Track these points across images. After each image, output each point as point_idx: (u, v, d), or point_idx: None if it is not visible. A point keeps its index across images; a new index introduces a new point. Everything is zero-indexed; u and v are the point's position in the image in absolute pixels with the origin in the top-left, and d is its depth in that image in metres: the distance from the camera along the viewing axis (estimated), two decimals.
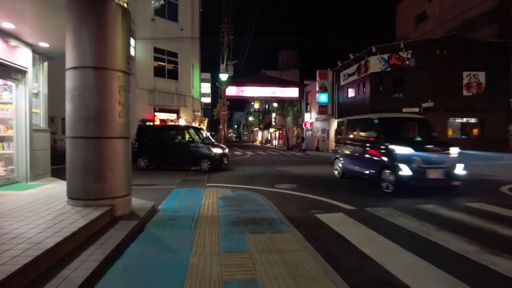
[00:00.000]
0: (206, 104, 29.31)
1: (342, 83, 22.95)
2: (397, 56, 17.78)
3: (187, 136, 10.88)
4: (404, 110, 17.19)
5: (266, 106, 55.33)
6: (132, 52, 16.03)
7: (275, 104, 36.10)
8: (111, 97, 4.13)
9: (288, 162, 15.09)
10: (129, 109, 4.55)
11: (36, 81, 6.57)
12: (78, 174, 4.03)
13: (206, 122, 22.55)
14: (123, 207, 4.25)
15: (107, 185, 4.08)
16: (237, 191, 6.81)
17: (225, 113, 20.71)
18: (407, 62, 17.53)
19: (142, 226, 4.07)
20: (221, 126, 26.45)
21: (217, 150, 10.74)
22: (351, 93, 21.81)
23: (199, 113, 22.58)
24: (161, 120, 17.91)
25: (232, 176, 9.64)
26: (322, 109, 24.67)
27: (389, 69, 18.14)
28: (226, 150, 11.61)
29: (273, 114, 46.42)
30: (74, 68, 4.08)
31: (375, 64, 18.46)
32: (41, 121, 6.67)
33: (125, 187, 4.33)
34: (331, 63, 28.79)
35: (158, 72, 17.83)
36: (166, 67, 18.23)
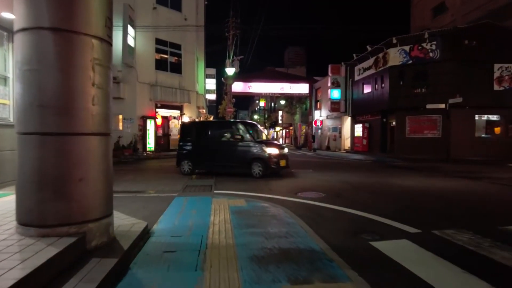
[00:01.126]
0: (211, 101, 28.05)
1: (356, 78, 21.50)
2: (419, 47, 16.29)
3: (236, 133, 9.04)
4: (429, 106, 15.73)
5: (272, 104, 53.97)
6: (131, 43, 14.77)
7: (282, 102, 34.71)
8: (80, 75, 2.82)
9: (302, 164, 13.72)
10: (109, 94, 3.27)
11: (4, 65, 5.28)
12: (29, 188, 2.72)
13: (211, 119, 21.22)
14: (99, 234, 2.94)
15: (75, 204, 2.77)
16: (252, 202, 5.50)
17: (232, 109, 19.40)
18: (431, 54, 16.04)
19: (125, 266, 2.76)
20: None
21: (272, 150, 8.75)
22: (366, 88, 20.36)
23: (204, 110, 21.28)
24: (163, 117, 16.66)
25: (247, 181, 8.31)
26: (335, 106, 23.25)
27: (410, 61, 16.65)
28: (285, 150, 9.60)
29: (280, 112, 45.06)
30: (23, 30, 2.75)
31: (395, 56, 16.99)
32: (10, 115, 5.39)
33: (102, 205, 3.02)
34: (340, 59, 27.32)
35: (160, 65, 16.56)
36: (169, 59, 16.96)
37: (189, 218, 4.42)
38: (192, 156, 9.49)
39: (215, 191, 6.66)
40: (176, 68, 17.27)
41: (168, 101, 16.51)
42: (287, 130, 43.13)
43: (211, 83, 27.96)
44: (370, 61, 19.34)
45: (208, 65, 28.52)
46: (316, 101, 28.13)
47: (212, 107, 35.01)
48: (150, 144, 15.53)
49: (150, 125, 15.54)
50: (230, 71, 19.61)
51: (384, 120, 19.17)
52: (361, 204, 5.49)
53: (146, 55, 15.90)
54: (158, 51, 16.47)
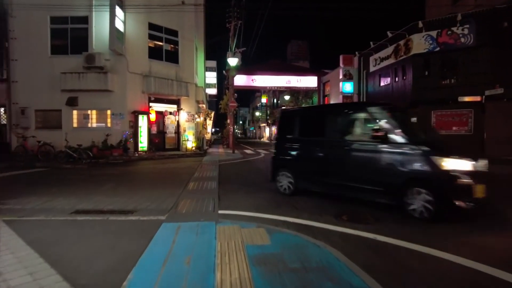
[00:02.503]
0: (211, 96, 26.10)
1: (372, 69, 19.53)
2: (449, 32, 14.31)
3: (372, 128, 4.78)
4: (461, 99, 13.80)
5: (275, 101, 51.99)
6: (120, 27, 12.82)
7: (287, 97, 32.77)
8: None
9: None
10: None
11: None
12: None
13: (212, 115, 19.33)
14: None
15: None
16: (277, 233, 3.63)
17: (235, 104, 17.45)
18: (462, 40, 14.07)
19: None
20: (229, 121, 23.20)
21: (455, 164, 4.21)
22: (384, 80, 18.40)
23: (204, 105, 19.37)
24: (158, 113, 14.74)
25: (263, 191, 6.40)
26: (347, 100, 21.28)
27: (438, 48, 14.68)
28: (483, 163, 4.57)
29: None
30: None
31: (420, 43, 15.02)
32: None
33: None
34: (345, 52, 25.37)
35: (154, 53, 14.61)
36: (164, 47, 15.00)
37: (182, 272, 2.54)
38: (295, 165, 6.04)
39: (220, 211, 4.76)
40: (173, 57, 15.32)
41: (164, 94, 14.58)
42: None
43: (211, 77, 25.99)
44: (389, 49, 17.37)
45: (208, 58, 26.57)
46: (324, 96, 26.17)
47: (213, 102, 33.03)
48: (143, 143, 13.63)
49: (143, 121, 13.63)
50: (232, 61, 17.66)
51: None
52: (448, 233, 3.58)
53: (138, 42, 13.95)
54: (151, 37, 14.51)
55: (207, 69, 25.94)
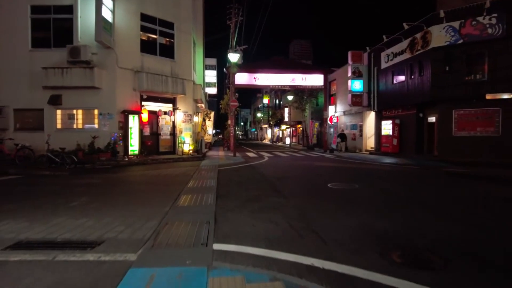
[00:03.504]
0: (211, 96, 24.74)
1: (384, 65, 18.14)
2: (473, 22, 12.92)
3: None
4: (489, 96, 12.39)
5: (277, 101, 50.66)
6: (108, 17, 11.48)
7: (290, 97, 31.35)
8: None
9: (335, 172, 10.44)
10: None
11: None
12: None
13: (212, 116, 17.98)
14: None
15: None
16: None
17: (236, 103, 16.09)
18: (489, 30, 12.67)
19: None
20: (229, 121, 21.83)
21: None
22: (397, 78, 17.01)
23: (203, 105, 18.02)
24: (151, 113, 13.39)
25: (272, 205, 5.01)
26: (356, 100, 19.89)
27: (461, 41, 13.29)
28: None
29: (286, 109, 41.73)
30: None
31: (440, 35, 13.63)
32: None
33: None
34: (350, 49, 24.01)
35: (147, 47, 13.27)
36: (158, 40, 13.66)
37: None
38: None
39: (216, 245, 3.36)
40: (168, 52, 13.98)
41: (157, 91, 13.23)
42: (293, 129, 39.75)
43: (211, 75, 24.64)
44: (403, 44, 15.98)
45: (208, 56, 25.27)
46: (330, 96, 24.76)
47: (213, 103, 31.68)
48: (134, 146, 12.27)
49: (134, 122, 12.28)
50: (234, 57, 16.33)
51: (421, 115, 15.83)
52: None
53: (128, 34, 12.63)
54: (144, 29, 13.18)
55: (207, 67, 24.62)
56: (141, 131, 12.72)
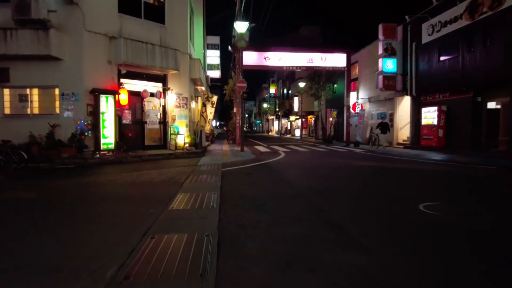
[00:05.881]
0: (213, 81, 21.45)
1: (426, 39, 14.65)
2: None
3: None
4: None
5: (284, 91, 47.14)
6: None
7: (302, 84, 27.90)
8: None
9: (397, 178, 7.26)
10: None
11: None
12: None
13: (215, 100, 14.72)
14: None
15: None
16: None
17: (244, 85, 12.80)
18: None
19: None
20: (235, 110, 18.54)
21: None
22: (446, 53, 13.55)
23: (203, 87, 14.75)
24: (132, 94, 10.16)
25: (310, 262, 1.86)
26: (389, 82, 16.46)
27: None
28: None
29: (295, 99, 38.28)
30: None
31: None
32: None
33: None
34: (360, 40, 20.48)
35: (128, 6, 9.98)
36: None
37: None
38: None
39: None
40: (156, 14, 10.68)
41: (142, 65, 9.97)
42: (303, 120, 36.33)
43: (214, 56, 21.25)
44: (459, 8, 12.48)
45: (210, 34, 21.87)
46: (350, 81, 21.27)
47: (216, 88, 28.26)
48: (109, 137, 9.09)
49: (108, 105, 9.08)
50: (241, 26, 13.01)
51: (479, 99, 12.45)
52: None
53: None
54: None
55: (209, 46, 21.27)
56: (119, 119, 9.55)
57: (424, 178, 6.91)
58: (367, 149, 15.24)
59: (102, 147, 8.93)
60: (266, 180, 6.42)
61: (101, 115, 8.86)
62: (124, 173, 7.26)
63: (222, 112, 69.72)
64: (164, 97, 10.95)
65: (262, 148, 15.23)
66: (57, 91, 8.90)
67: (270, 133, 55.89)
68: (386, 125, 15.40)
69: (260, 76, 69.73)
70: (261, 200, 4.56)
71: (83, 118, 8.87)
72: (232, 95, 20.19)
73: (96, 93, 8.88)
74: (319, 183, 6.15)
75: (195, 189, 5.21)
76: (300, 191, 5.29)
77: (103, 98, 8.92)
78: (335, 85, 24.37)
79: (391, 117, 17.77)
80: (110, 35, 9.42)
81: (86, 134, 8.82)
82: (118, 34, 9.51)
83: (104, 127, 8.94)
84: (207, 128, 14.66)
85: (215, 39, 21.39)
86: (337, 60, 18.72)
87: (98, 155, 8.76)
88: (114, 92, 9.23)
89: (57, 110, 8.89)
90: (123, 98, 9.43)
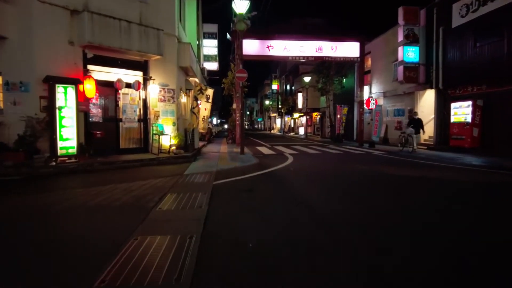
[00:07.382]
0: (211, 73, 19.35)
1: (457, 22, 12.54)
2: None
3: None
4: None
5: (287, 87, 44.96)
6: None
7: (307, 79, 25.79)
8: None
9: (468, 206, 5.21)
10: None
11: None
12: None
13: (211, 94, 12.66)
14: None
15: None
16: None
17: (244, 75, 10.77)
18: None
19: None
20: (235, 105, 16.49)
21: None
22: (487, 37, 11.44)
23: (197, 79, 12.67)
24: (103, 84, 8.10)
25: None
26: (410, 74, 14.36)
27: None
28: None
29: (299, 95, 36.13)
30: None
31: None
32: None
33: None
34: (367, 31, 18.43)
35: None
36: None
37: None
38: None
39: None
40: None
41: (115, 47, 7.89)
42: (308, 117, 34.18)
43: (211, 45, 19.12)
44: None
45: (207, 22, 19.81)
46: (363, 74, 19.14)
47: (214, 81, 26.17)
48: (70, 139, 7.04)
49: (67, 98, 7.01)
50: (241, 5, 10.94)
51: None
52: None
53: None
54: None
55: (206, 36, 19.19)
56: (84, 115, 7.52)
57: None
58: (387, 150, 13.17)
59: (60, 151, 6.89)
60: (275, 204, 4.39)
61: (57, 110, 6.81)
62: (79, 189, 5.28)
63: (223, 109, 67.73)
64: (145, 88, 8.89)
65: (265, 150, 13.19)
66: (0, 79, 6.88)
67: (272, 131, 53.81)
68: (420, 122, 12.46)
69: (262, 72, 67.41)
70: (272, 253, 2.53)
71: (34, 113, 6.84)
72: (232, 89, 18.11)
73: (51, 82, 6.82)
74: (359, 209, 4.10)
75: (164, 224, 3.23)
76: (333, 227, 3.25)
77: (60, 88, 6.86)
78: (344, 79, 22.25)
79: (412, 113, 15.68)
80: (72, 7, 7.36)
81: (40, 134, 6.79)
82: (83, 7, 7.44)
83: (62, 126, 6.89)
84: (201, 126, 12.60)
85: (213, 27, 19.26)
86: (349, 49, 16.63)
87: (54, 163, 6.72)
88: (76, 81, 7.17)
89: (0, 104, 6.88)
90: (89, 88, 7.36)
